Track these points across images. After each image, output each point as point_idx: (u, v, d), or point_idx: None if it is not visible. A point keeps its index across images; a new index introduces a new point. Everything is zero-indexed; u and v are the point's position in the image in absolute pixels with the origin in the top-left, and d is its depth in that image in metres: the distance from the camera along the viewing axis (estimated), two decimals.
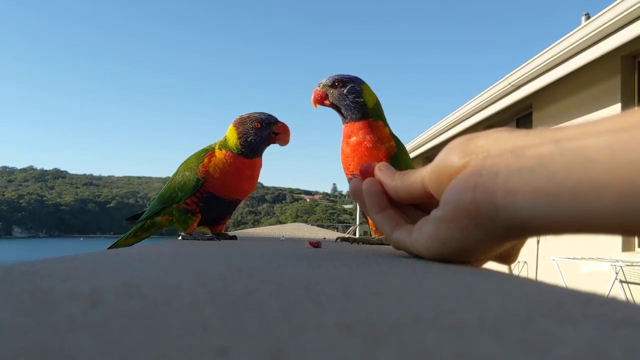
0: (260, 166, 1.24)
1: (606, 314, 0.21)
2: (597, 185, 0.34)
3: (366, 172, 0.60)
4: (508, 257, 0.51)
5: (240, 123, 1.19)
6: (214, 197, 1.17)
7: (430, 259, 0.49)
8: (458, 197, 0.43)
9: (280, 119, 1.19)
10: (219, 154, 1.18)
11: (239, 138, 1.18)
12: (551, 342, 0.16)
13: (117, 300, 0.23)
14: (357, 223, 12.48)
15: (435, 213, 0.47)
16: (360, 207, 0.62)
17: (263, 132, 1.18)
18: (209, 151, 1.19)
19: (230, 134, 1.20)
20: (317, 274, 0.36)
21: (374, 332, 0.17)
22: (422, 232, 0.49)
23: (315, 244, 0.79)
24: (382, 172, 0.58)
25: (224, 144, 1.20)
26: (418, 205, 0.57)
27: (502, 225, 0.42)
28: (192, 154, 1.25)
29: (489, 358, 0.14)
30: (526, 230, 0.41)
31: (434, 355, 0.14)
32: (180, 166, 1.22)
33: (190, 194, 1.15)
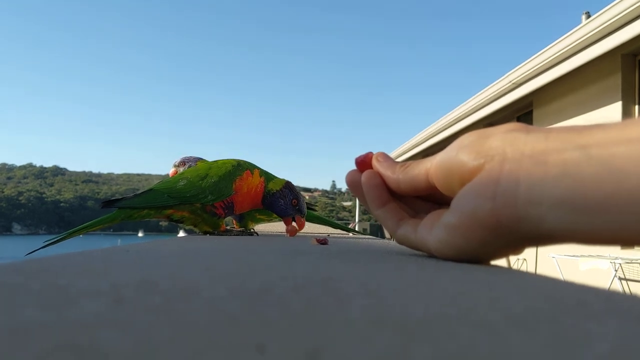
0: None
1: (629, 310, 0.21)
2: (631, 198, 0.32)
3: (363, 163, 0.57)
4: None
5: (289, 187, 1.27)
6: (233, 209, 1.25)
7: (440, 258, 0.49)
8: (475, 206, 0.41)
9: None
10: (257, 178, 1.26)
11: (278, 191, 1.26)
12: (584, 339, 0.16)
13: (138, 296, 0.23)
14: (356, 220, 12.49)
15: (447, 219, 0.45)
16: (359, 202, 0.60)
17: (289, 209, 1.26)
18: (246, 168, 1.25)
19: (278, 181, 1.28)
20: (329, 271, 0.36)
21: (404, 329, 0.17)
22: (432, 235, 0.47)
23: (322, 241, 0.78)
24: (381, 163, 0.55)
25: (267, 176, 1.28)
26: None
27: (523, 236, 0.40)
28: (222, 159, 1.29)
29: (525, 355, 0.14)
30: (550, 240, 0.39)
31: (471, 352, 0.14)
32: (209, 169, 1.24)
33: (220, 200, 1.21)
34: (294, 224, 1.26)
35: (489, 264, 0.45)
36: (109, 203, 1.22)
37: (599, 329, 0.17)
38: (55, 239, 1.24)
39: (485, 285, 0.29)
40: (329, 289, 0.26)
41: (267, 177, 1.28)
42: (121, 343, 0.15)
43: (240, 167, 1.25)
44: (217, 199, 1.20)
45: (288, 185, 1.27)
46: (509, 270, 0.39)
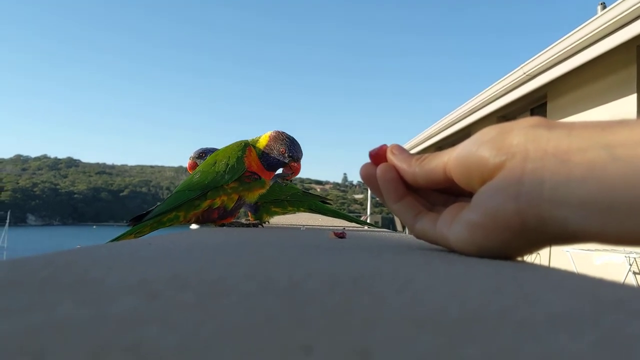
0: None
1: None
2: None
3: (377, 156, 0.56)
4: None
5: (275, 138, 1.26)
6: (260, 177, 1.27)
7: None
8: (498, 206, 0.40)
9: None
10: (253, 152, 1.27)
11: (265, 148, 1.26)
12: (631, 339, 0.15)
13: (171, 292, 0.23)
14: (368, 213, 12.48)
15: (469, 216, 0.44)
16: (374, 195, 0.58)
17: (282, 158, 1.26)
18: (247, 145, 1.27)
19: (263, 140, 1.27)
20: (355, 266, 0.35)
21: (445, 328, 0.17)
22: (452, 231, 0.47)
23: (340, 234, 0.78)
24: (396, 156, 0.54)
25: (254, 143, 1.28)
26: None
27: (547, 236, 0.39)
28: (227, 145, 1.31)
29: (577, 357, 0.14)
30: (575, 240, 0.38)
31: (520, 352, 0.14)
32: (216, 155, 1.27)
33: (237, 177, 1.23)
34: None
35: (513, 260, 0.45)
36: (137, 219, 1.24)
37: None
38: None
39: (517, 282, 0.29)
40: (360, 286, 0.26)
41: (253, 143, 1.28)
42: (170, 341, 0.15)
43: (245, 146, 1.27)
44: (233, 177, 1.22)
45: (271, 137, 1.26)
46: (536, 266, 0.39)
